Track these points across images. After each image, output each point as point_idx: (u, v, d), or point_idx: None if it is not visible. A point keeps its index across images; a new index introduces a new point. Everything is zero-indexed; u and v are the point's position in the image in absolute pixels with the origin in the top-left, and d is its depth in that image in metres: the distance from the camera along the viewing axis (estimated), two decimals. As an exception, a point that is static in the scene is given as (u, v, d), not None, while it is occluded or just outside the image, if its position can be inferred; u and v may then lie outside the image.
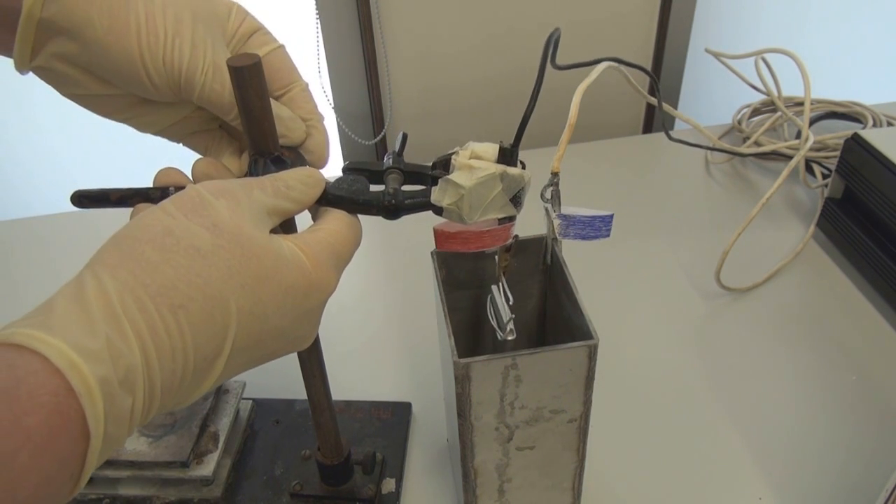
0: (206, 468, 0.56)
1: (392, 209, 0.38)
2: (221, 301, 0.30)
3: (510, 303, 0.47)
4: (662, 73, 1.11)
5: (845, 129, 0.93)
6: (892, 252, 0.72)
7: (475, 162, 0.38)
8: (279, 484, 0.58)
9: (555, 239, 0.47)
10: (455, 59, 1.03)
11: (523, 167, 0.39)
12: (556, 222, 0.45)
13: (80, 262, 0.30)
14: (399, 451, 0.60)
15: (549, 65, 0.40)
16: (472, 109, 1.08)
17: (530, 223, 0.46)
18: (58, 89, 0.40)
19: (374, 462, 0.56)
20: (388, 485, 0.58)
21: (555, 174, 0.44)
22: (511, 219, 0.40)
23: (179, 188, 0.37)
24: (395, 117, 1.06)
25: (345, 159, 1.12)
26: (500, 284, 0.47)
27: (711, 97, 1.21)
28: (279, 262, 0.32)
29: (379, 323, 0.75)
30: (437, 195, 0.38)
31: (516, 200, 0.39)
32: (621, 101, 1.11)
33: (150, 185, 0.39)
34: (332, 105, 1.04)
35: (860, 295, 0.75)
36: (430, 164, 0.41)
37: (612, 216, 0.44)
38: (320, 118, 0.43)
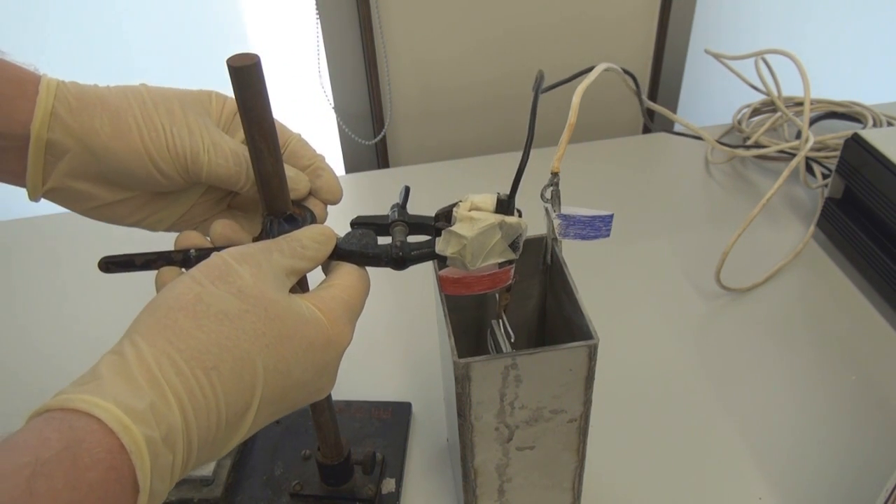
0: (206, 468, 0.56)
1: (400, 261, 0.41)
2: (249, 361, 0.33)
3: (511, 340, 0.48)
4: (662, 73, 1.11)
5: (845, 129, 0.93)
6: (892, 252, 0.72)
7: (475, 213, 0.40)
8: (279, 484, 0.58)
9: (555, 239, 0.47)
10: (455, 59, 1.03)
11: (520, 215, 0.41)
12: (556, 222, 0.45)
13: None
14: (399, 451, 0.60)
15: (541, 83, 0.42)
16: (472, 109, 1.08)
17: (530, 223, 0.46)
18: (71, 207, 0.43)
19: (374, 462, 0.56)
20: (388, 485, 0.58)
21: (555, 174, 0.44)
22: (511, 262, 0.42)
23: (199, 250, 0.39)
24: (395, 117, 1.06)
25: (345, 159, 1.12)
26: (501, 321, 0.49)
27: (711, 97, 1.21)
28: (299, 322, 0.35)
29: (379, 323, 0.75)
30: (441, 245, 0.41)
31: (514, 246, 0.41)
32: (621, 101, 1.11)
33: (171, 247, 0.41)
34: (333, 105, 1.04)
35: (860, 295, 0.75)
36: (433, 215, 0.43)
37: (611, 216, 0.44)
38: (323, 158, 0.46)
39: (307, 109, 1.07)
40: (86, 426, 0.28)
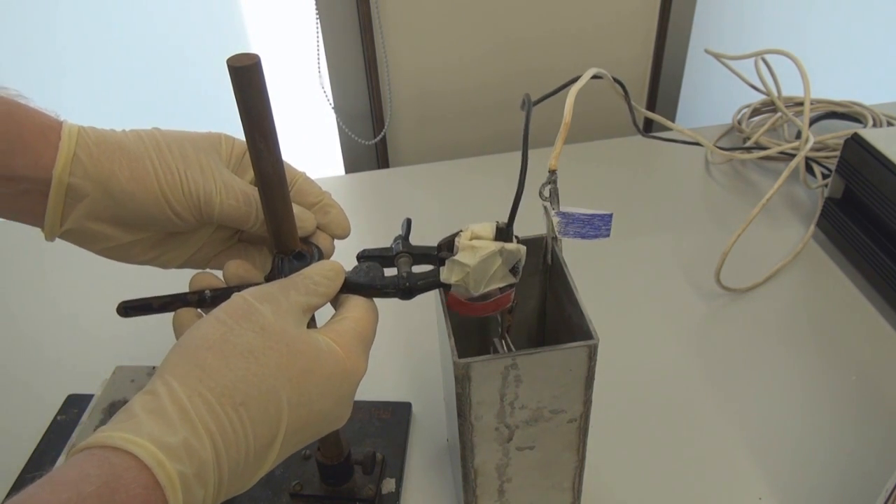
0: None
1: (407, 291, 0.42)
2: (274, 395, 0.34)
3: None
4: (662, 73, 1.11)
5: (845, 129, 0.93)
6: (892, 252, 0.72)
7: (476, 242, 0.42)
8: (279, 484, 0.58)
9: (555, 238, 0.47)
10: (455, 58, 1.03)
11: (518, 241, 0.42)
12: (556, 220, 0.45)
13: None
14: (399, 451, 0.60)
15: (529, 107, 0.43)
16: (472, 109, 1.08)
17: (530, 223, 0.46)
18: (87, 247, 0.44)
19: (374, 462, 0.56)
20: (388, 485, 0.58)
21: (552, 171, 0.44)
22: (511, 286, 0.43)
23: (214, 290, 0.41)
24: (395, 117, 1.06)
25: (345, 159, 1.12)
26: (504, 341, 0.50)
27: (711, 97, 1.21)
28: (319, 356, 0.36)
29: (380, 323, 0.75)
30: (446, 274, 0.42)
31: (514, 270, 0.43)
32: (620, 101, 1.11)
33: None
34: (332, 105, 1.04)
35: (860, 295, 0.75)
36: (436, 245, 0.44)
37: (611, 215, 0.44)
38: (329, 195, 0.47)
39: (307, 109, 1.08)
40: (123, 462, 0.29)
